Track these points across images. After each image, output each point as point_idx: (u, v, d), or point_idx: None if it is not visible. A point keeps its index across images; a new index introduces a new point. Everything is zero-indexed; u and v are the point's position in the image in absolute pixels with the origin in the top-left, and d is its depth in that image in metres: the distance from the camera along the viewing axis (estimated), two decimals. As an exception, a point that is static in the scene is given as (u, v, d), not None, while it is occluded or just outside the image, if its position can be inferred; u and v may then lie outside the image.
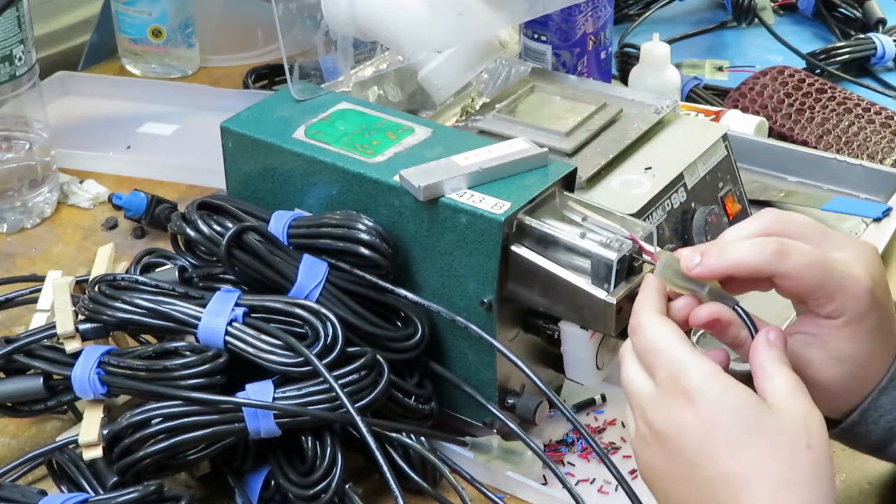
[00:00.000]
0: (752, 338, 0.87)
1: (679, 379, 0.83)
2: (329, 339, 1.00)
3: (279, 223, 1.08)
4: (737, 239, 0.91)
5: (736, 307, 0.90)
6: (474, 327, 1.04)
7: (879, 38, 1.74)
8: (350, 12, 1.29)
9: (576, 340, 1.06)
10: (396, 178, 1.07)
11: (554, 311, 1.05)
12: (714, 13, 1.93)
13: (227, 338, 1.01)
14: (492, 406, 1.07)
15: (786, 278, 0.89)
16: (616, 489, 1.06)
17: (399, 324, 1.07)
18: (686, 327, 0.90)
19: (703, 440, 0.82)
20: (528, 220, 1.04)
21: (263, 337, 1.01)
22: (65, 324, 1.05)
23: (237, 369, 1.02)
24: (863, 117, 1.55)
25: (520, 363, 1.03)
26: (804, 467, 0.80)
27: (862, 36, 1.77)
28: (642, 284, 0.91)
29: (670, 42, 1.70)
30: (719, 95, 1.65)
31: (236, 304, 1.02)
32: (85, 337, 1.05)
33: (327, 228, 1.07)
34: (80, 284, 1.13)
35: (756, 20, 1.84)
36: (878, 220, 1.38)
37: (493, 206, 1.03)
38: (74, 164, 1.53)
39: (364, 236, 1.05)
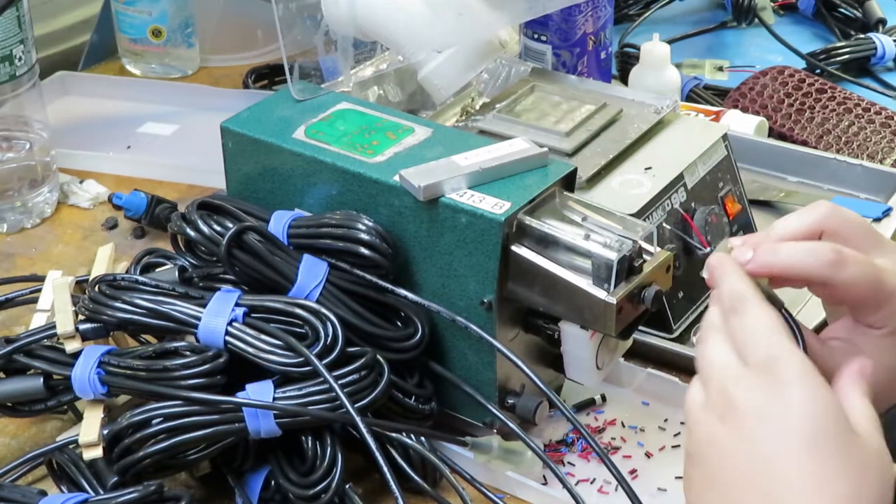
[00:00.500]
0: (799, 344, 0.84)
1: (776, 365, 0.79)
2: (329, 339, 1.00)
3: (279, 223, 1.08)
4: (791, 235, 0.87)
5: (783, 310, 0.86)
6: (474, 327, 1.04)
7: (879, 38, 1.74)
8: (350, 12, 1.29)
9: (576, 340, 1.06)
10: (396, 178, 1.07)
11: (554, 311, 1.05)
12: (714, 13, 1.93)
13: (227, 338, 1.01)
14: (492, 406, 1.07)
15: (837, 288, 0.86)
16: (616, 489, 1.06)
17: (399, 324, 1.07)
18: None
19: (781, 430, 0.77)
20: (528, 220, 1.04)
21: (263, 337, 1.01)
22: (65, 324, 1.05)
23: (237, 369, 1.01)
24: (863, 117, 1.55)
25: (520, 363, 1.03)
26: (868, 495, 0.77)
27: (862, 36, 1.77)
28: (721, 264, 0.85)
29: (670, 42, 1.70)
30: (719, 95, 1.65)
31: (236, 304, 1.02)
32: (85, 337, 1.05)
33: (327, 228, 1.07)
34: (80, 284, 1.13)
35: (756, 20, 1.84)
36: (878, 220, 1.38)
37: (493, 206, 1.03)
38: (74, 164, 1.53)
39: (364, 236, 1.05)
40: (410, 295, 1.06)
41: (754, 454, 0.78)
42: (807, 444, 0.77)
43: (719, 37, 1.86)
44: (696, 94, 1.64)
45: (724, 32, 1.87)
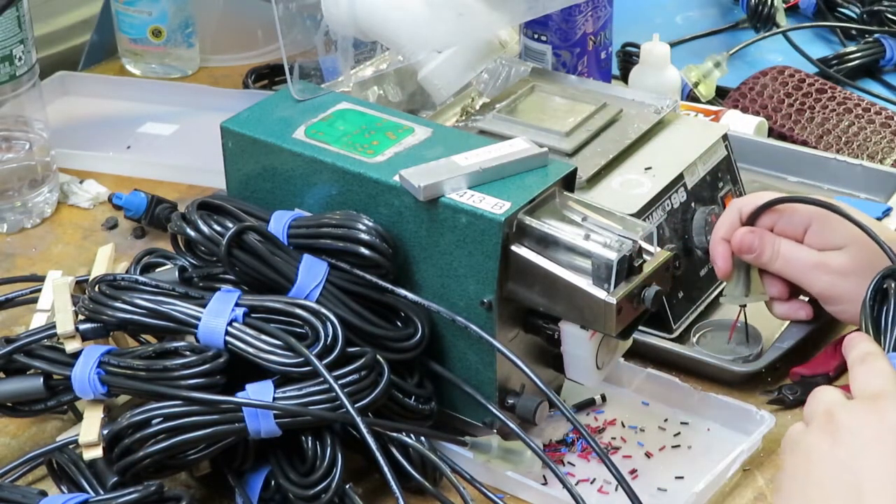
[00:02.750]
0: None
1: (882, 398, 0.86)
2: (329, 339, 1.00)
3: (279, 223, 1.08)
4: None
5: None
6: (474, 327, 1.04)
7: (888, 41, 1.74)
8: (350, 12, 1.29)
9: (576, 340, 1.06)
10: (396, 178, 1.07)
11: (554, 311, 1.05)
12: (720, 11, 1.92)
13: (227, 338, 1.01)
14: (492, 406, 1.07)
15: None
16: (616, 489, 1.06)
17: (399, 324, 1.07)
18: None
19: (873, 441, 0.84)
20: (528, 220, 1.04)
21: (263, 337, 1.01)
22: (65, 324, 1.05)
23: (237, 369, 1.02)
24: (863, 117, 1.55)
25: (520, 363, 1.03)
26: None
27: (871, 39, 1.77)
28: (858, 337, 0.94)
29: (678, 44, 1.70)
30: (719, 95, 1.65)
31: (236, 304, 1.02)
32: (85, 337, 1.05)
33: (327, 228, 1.07)
34: (80, 284, 1.13)
35: (774, 27, 1.82)
36: (878, 220, 1.38)
37: (493, 206, 1.03)
38: (74, 164, 1.53)
39: (364, 236, 1.05)
40: (410, 295, 1.06)
41: (846, 460, 0.83)
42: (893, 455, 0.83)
43: (722, 38, 1.86)
44: (696, 93, 1.64)
45: (727, 33, 1.86)
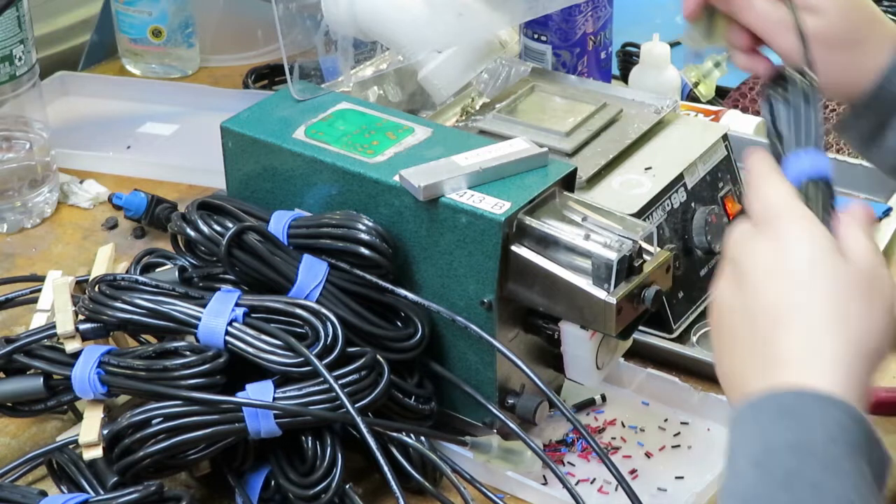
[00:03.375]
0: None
1: (777, 221, 0.82)
2: (329, 339, 1.00)
3: (279, 223, 1.08)
4: None
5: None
6: (474, 327, 1.04)
7: None
8: (350, 12, 1.29)
9: (576, 340, 1.06)
10: (396, 178, 1.07)
11: (554, 311, 1.05)
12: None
13: (227, 338, 1.01)
14: (492, 406, 1.07)
15: None
16: (616, 489, 1.06)
17: (399, 324, 1.07)
18: None
19: (775, 273, 0.80)
20: (528, 220, 1.04)
21: (263, 337, 1.01)
22: (65, 324, 1.05)
23: (237, 369, 1.02)
24: (863, 117, 1.55)
25: (520, 363, 1.03)
26: (855, 313, 0.78)
27: None
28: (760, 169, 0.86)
29: (677, 44, 1.70)
30: (719, 95, 1.65)
31: (236, 304, 1.02)
32: (85, 337, 1.05)
33: (327, 228, 1.07)
34: (80, 284, 1.13)
35: None
36: (878, 220, 1.38)
37: (493, 206, 1.03)
38: (74, 164, 1.53)
39: (364, 236, 1.05)
40: (410, 295, 1.06)
41: (748, 302, 0.80)
42: (790, 276, 0.79)
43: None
44: (696, 93, 1.64)
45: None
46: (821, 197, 0.83)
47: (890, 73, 1.02)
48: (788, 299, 0.79)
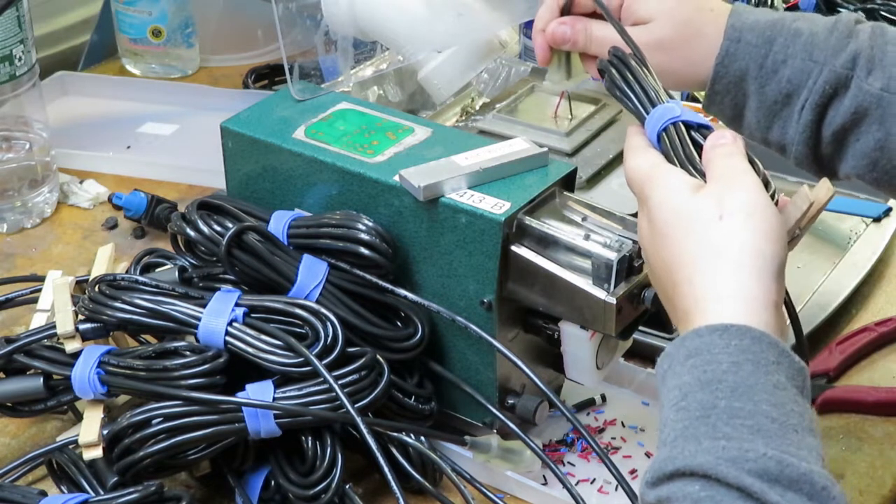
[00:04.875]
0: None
1: (636, 190, 0.91)
2: (329, 339, 1.00)
3: (279, 223, 1.08)
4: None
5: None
6: (474, 327, 1.04)
7: None
8: (350, 12, 1.29)
9: (576, 340, 1.06)
10: (396, 178, 1.07)
11: (554, 311, 1.05)
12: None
13: (227, 338, 1.01)
14: (492, 406, 1.07)
15: None
16: (616, 489, 1.06)
17: (399, 324, 1.07)
18: None
19: (648, 237, 0.89)
20: (528, 220, 1.04)
21: (263, 337, 1.01)
22: (65, 324, 1.05)
23: (237, 369, 1.02)
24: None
25: (520, 363, 1.03)
26: (725, 241, 0.83)
27: None
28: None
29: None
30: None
31: (236, 304, 1.02)
32: (85, 337, 1.05)
33: (327, 228, 1.07)
34: (80, 284, 1.13)
35: None
36: (877, 220, 1.38)
37: (493, 206, 1.03)
38: (74, 164, 1.53)
39: (364, 236, 1.05)
40: (410, 295, 1.06)
41: (654, 270, 0.89)
42: (670, 238, 0.86)
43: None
44: (696, 93, 1.64)
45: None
46: (678, 138, 0.91)
47: (724, 57, 1.06)
48: (670, 258, 0.85)
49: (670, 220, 0.86)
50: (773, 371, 0.78)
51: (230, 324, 1.01)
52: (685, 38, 1.06)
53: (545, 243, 1.04)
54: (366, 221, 1.06)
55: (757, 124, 1.08)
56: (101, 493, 1.00)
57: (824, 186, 0.92)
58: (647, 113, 0.94)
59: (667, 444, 0.77)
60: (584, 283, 1.02)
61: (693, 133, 0.91)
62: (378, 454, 0.96)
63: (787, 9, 1.85)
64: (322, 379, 0.99)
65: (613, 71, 0.98)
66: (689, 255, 0.84)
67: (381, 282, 1.06)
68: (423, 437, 1.05)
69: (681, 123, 0.91)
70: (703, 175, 0.88)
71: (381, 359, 1.02)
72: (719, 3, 1.09)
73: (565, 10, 1.13)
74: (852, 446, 1.13)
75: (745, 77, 1.06)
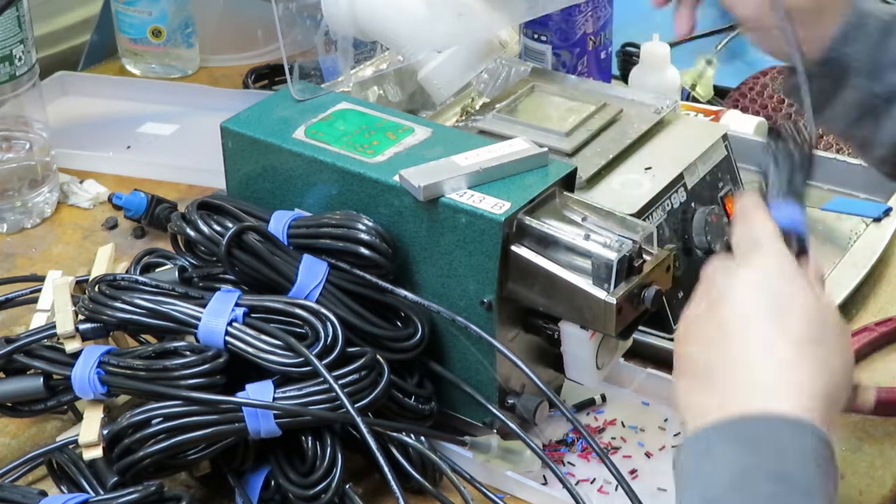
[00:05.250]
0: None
1: (754, 247, 0.84)
2: (329, 339, 1.00)
3: (279, 223, 1.08)
4: None
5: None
6: (474, 327, 1.04)
7: None
8: (350, 12, 1.29)
9: (576, 340, 1.06)
10: (396, 178, 1.07)
11: (554, 311, 1.05)
12: (722, 13, 1.91)
13: (227, 338, 1.01)
14: (492, 406, 1.07)
15: None
16: (616, 489, 1.06)
17: (399, 324, 1.07)
18: None
19: (741, 297, 0.82)
20: (528, 220, 1.04)
21: (263, 337, 1.01)
22: (65, 324, 1.05)
23: (237, 369, 1.02)
24: (863, 117, 1.55)
25: (520, 363, 1.03)
26: (822, 349, 0.80)
27: None
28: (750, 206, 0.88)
29: (676, 44, 1.69)
30: (719, 95, 1.65)
31: (236, 304, 1.02)
32: (85, 337, 1.05)
33: (327, 228, 1.07)
34: (80, 284, 1.13)
35: None
36: (878, 219, 1.38)
37: (493, 206, 1.03)
38: (74, 164, 1.53)
39: (364, 236, 1.05)
40: (410, 295, 1.06)
41: (719, 317, 0.81)
42: (761, 307, 0.81)
43: (724, 39, 1.85)
44: (695, 95, 1.64)
45: (731, 34, 1.86)
46: (795, 245, 0.86)
47: (837, 40, 1.03)
48: (761, 327, 0.80)
49: (780, 297, 0.82)
50: (831, 480, 0.76)
51: (230, 324, 1.01)
52: (814, 14, 1.02)
53: (545, 243, 1.04)
54: (366, 221, 1.06)
55: (845, 116, 1.04)
56: (101, 493, 1.00)
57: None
58: (778, 200, 0.90)
59: None
60: (584, 283, 1.02)
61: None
62: (378, 454, 0.96)
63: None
64: (322, 379, 0.99)
65: (777, 144, 0.93)
66: (788, 336, 0.80)
67: (381, 282, 1.06)
68: (423, 438, 1.05)
69: (801, 236, 0.87)
70: None
71: (381, 359, 1.02)
72: None
73: None
74: (852, 446, 1.13)
75: (849, 65, 1.02)
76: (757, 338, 0.80)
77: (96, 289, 1.05)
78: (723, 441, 0.77)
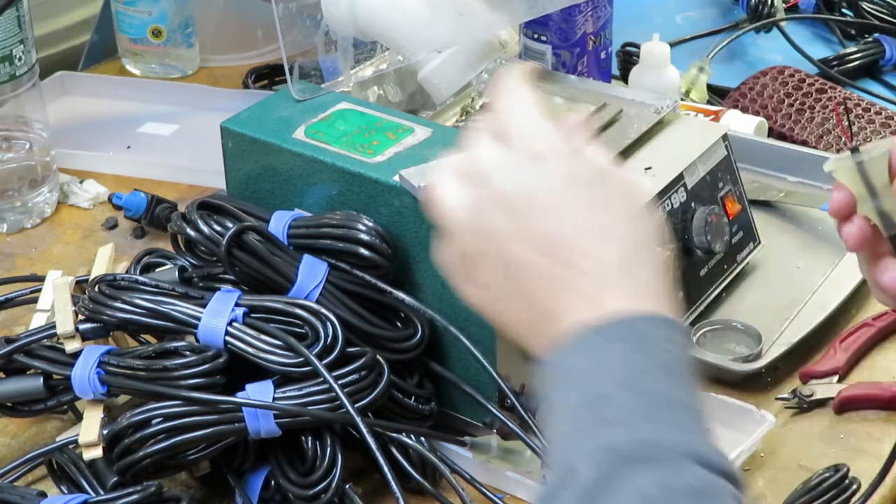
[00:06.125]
0: None
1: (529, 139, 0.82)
2: (329, 339, 1.00)
3: (279, 223, 1.08)
4: None
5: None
6: (466, 341, 1.04)
7: (888, 41, 1.74)
8: (350, 12, 1.29)
9: (576, 340, 1.05)
10: (396, 178, 1.07)
11: (554, 311, 1.05)
12: (722, 10, 1.92)
13: (227, 338, 1.01)
14: (492, 406, 1.07)
15: None
16: (616, 489, 1.06)
17: (399, 324, 1.07)
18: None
19: (554, 197, 0.80)
20: (528, 220, 1.04)
21: (263, 337, 1.01)
22: (65, 324, 1.05)
23: (237, 369, 1.02)
24: (863, 117, 1.55)
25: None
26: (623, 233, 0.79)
27: (871, 39, 1.76)
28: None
29: (677, 44, 1.70)
30: (720, 95, 1.65)
31: (236, 304, 1.02)
32: (85, 337, 1.05)
33: (327, 228, 1.07)
34: (80, 284, 1.13)
35: (774, 28, 1.81)
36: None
37: (493, 206, 1.03)
38: (74, 164, 1.53)
39: (364, 236, 1.05)
40: (408, 298, 1.06)
41: (537, 233, 0.78)
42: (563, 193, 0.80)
43: (724, 39, 1.85)
44: (691, 95, 1.64)
45: (731, 34, 1.86)
46: None
47: None
48: (576, 235, 0.78)
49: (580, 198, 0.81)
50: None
51: (230, 324, 1.01)
52: None
53: (545, 243, 1.03)
54: (366, 222, 1.06)
55: None
56: (101, 493, 1.00)
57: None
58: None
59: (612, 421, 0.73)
60: (584, 283, 1.01)
61: None
62: (378, 454, 0.97)
63: (787, 9, 1.85)
64: (322, 379, 0.99)
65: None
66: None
67: (380, 283, 1.06)
68: (422, 438, 1.05)
69: None
70: None
71: (381, 359, 1.02)
72: None
73: None
74: (852, 446, 1.13)
75: None
76: (577, 244, 0.77)
77: (96, 289, 1.05)
78: (609, 341, 0.76)
